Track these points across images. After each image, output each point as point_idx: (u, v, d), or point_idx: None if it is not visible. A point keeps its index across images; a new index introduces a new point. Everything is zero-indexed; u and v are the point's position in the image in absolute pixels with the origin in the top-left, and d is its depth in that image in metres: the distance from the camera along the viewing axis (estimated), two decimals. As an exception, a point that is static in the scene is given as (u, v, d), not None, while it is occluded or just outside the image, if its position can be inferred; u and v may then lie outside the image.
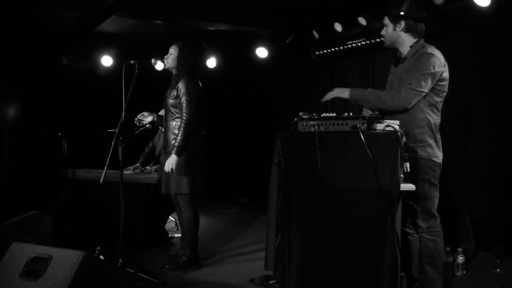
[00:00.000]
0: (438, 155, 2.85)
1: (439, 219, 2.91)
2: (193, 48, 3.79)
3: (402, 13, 2.80)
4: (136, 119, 3.91)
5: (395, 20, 2.83)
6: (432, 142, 2.81)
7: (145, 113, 3.96)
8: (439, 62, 2.74)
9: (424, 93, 2.72)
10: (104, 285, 2.74)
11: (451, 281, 3.48)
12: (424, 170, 2.79)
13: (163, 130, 4.84)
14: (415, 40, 2.86)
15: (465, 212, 4.14)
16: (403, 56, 2.89)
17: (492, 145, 4.26)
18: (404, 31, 2.84)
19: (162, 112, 4.08)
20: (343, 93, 2.88)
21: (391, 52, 3.04)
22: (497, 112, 4.24)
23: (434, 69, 2.71)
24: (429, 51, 2.76)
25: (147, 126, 4.86)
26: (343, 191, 2.51)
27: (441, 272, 2.96)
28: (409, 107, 2.74)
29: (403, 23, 2.82)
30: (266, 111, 7.04)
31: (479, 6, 4.03)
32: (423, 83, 2.70)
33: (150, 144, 5.13)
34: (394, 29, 2.85)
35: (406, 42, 2.86)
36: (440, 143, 2.88)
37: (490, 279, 3.49)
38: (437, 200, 2.88)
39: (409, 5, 2.79)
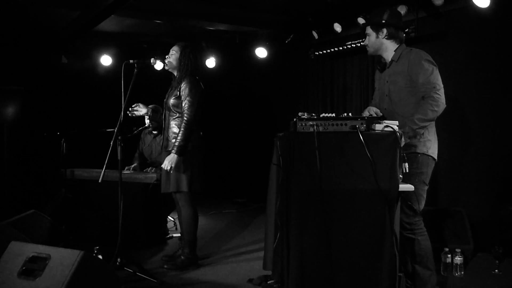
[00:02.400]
0: (434, 152, 2.96)
1: (422, 218, 2.97)
2: (194, 49, 3.81)
3: (383, 21, 3.00)
4: (130, 108, 3.90)
5: (378, 28, 3.03)
6: (432, 138, 2.94)
7: (140, 104, 3.97)
8: (431, 57, 2.94)
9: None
10: (102, 284, 2.74)
11: (449, 281, 3.48)
12: (418, 165, 2.89)
13: (148, 132, 4.91)
14: (398, 45, 3.04)
15: (463, 212, 4.14)
16: (389, 60, 3.05)
17: (491, 146, 4.27)
18: (386, 38, 3.03)
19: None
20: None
21: (376, 58, 3.19)
22: (497, 112, 4.24)
23: (435, 64, 2.90)
24: (418, 50, 2.96)
25: (145, 126, 4.90)
26: (342, 191, 2.51)
27: (432, 268, 2.99)
28: (445, 105, 2.85)
29: (385, 30, 3.01)
30: (265, 111, 7.04)
31: (478, 7, 4.03)
32: (440, 79, 2.86)
33: (137, 151, 5.11)
34: (377, 37, 3.04)
35: (389, 48, 3.05)
36: (436, 139, 3.00)
37: (488, 280, 3.49)
38: (423, 201, 2.94)
39: (389, 14, 3.02)
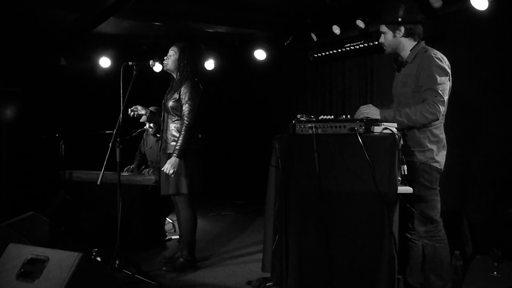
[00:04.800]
0: (438, 161, 2.81)
1: (441, 224, 2.84)
2: (193, 50, 3.80)
3: (400, 19, 2.80)
4: (130, 109, 3.87)
5: (394, 26, 2.84)
6: (433, 146, 2.78)
7: (139, 107, 3.94)
8: (446, 64, 2.75)
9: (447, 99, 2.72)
10: (101, 286, 2.73)
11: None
12: (418, 173, 2.77)
13: (149, 133, 4.90)
14: (415, 43, 2.86)
15: (463, 214, 4.14)
16: (404, 61, 2.89)
17: (491, 148, 4.27)
18: (404, 36, 2.84)
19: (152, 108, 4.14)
20: (373, 114, 2.74)
21: (392, 56, 3.02)
22: (496, 115, 4.25)
23: (447, 74, 2.72)
24: (432, 54, 2.75)
25: (145, 127, 4.89)
26: (341, 193, 2.51)
27: (447, 279, 2.84)
28: (439, 119, 2.72)
29: (402, 28, 2.83)
30: (264, 113, 7.05)
31: (476, 9, 4.04)
32: (446, 92, 2.69)
33: (138, 151, 5.11)
34: (394, 36, 2.86)
35: (406, 46, 2.87)
36: (443, 148, 2.84)
37: (487, 282, 3.49)
38: (437, 204, 2.82)
39: (405, 10, 2.80)
